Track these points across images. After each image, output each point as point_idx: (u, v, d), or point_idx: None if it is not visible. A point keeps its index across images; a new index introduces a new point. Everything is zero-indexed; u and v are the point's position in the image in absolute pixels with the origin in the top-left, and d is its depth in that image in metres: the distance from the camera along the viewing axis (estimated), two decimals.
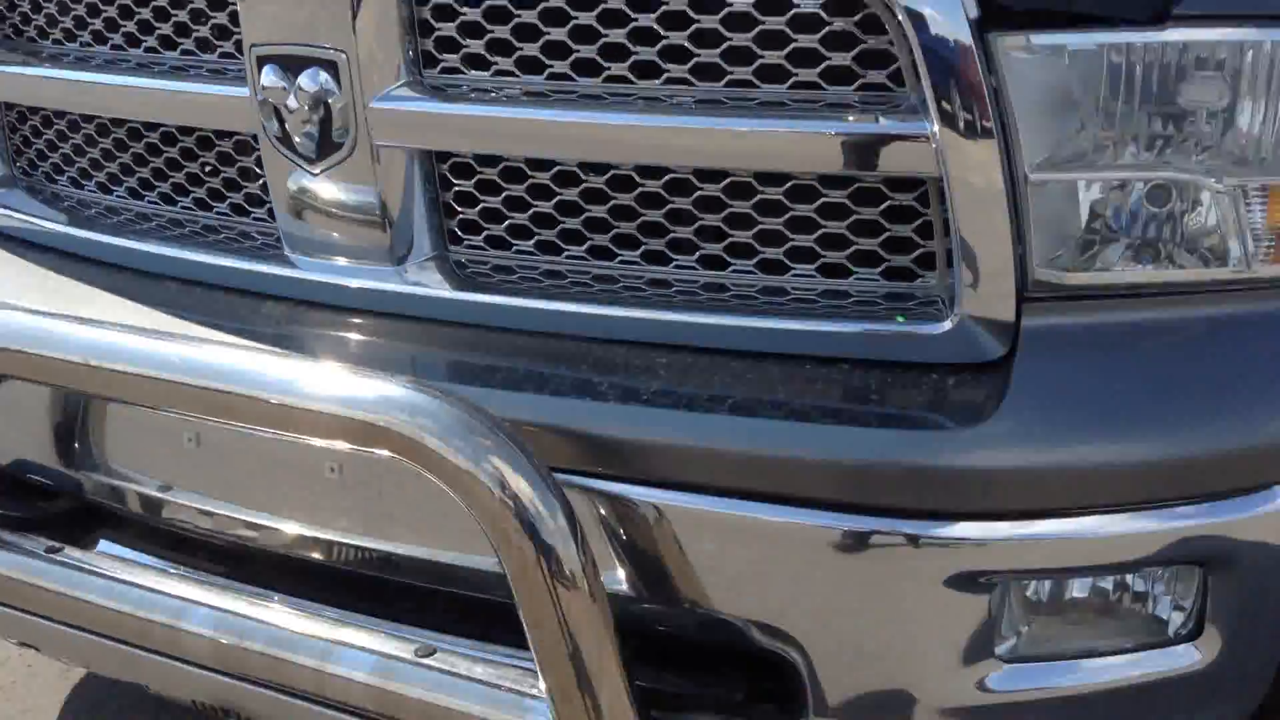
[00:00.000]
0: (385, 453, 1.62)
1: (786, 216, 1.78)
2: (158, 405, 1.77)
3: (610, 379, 1.78)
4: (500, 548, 1.60)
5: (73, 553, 2.05)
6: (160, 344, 1.76)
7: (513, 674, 1.72)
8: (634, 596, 1.75)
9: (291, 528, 1.96)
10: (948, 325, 1.70)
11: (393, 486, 1.84)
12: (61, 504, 2.29)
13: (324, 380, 1.65)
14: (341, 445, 1.76)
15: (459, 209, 1.95)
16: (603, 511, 1.72)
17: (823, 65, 1.70)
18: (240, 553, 2.07)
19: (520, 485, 1.58)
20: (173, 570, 2.02)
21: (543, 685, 1.65)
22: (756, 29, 1.70)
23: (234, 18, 1.97)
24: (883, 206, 1.74)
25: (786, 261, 1.81)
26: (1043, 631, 1.72)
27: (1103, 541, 1.64)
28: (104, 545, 2.17)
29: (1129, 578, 1.71)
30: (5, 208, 2.40)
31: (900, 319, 1.73)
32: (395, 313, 1.98)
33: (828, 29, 1.67)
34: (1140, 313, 1.72)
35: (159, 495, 2.08)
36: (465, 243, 1.97)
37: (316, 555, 1.97)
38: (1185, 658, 1.73)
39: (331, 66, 1.87)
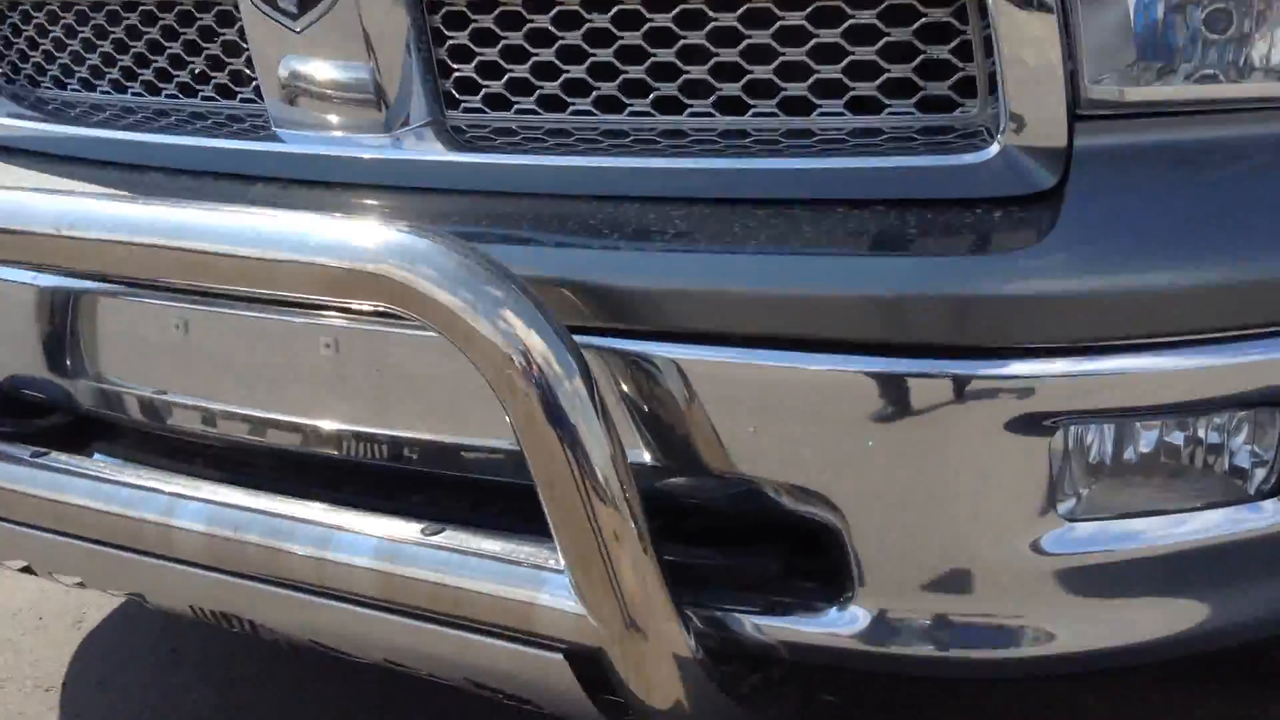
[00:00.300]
0: (378, 306, 1.49)
1: (810, 44, 1.62)
2: (136, 274, 1.64)
3: (622, 231, 1.63)
4: (509, 405, 1.45)
5: (59, 456, 1.92)
6: (135, 208, 1.63)
7: (527, 549, 1.58)
8: (657, 467, 1.61)
9: (287, 416, 1.82)
10: (992, 153, 1.54)
11: (393, 360, 1.70)
12: (56, 419, 2.17)
13: (309, 230, 1.51)
14: (333, 305, 1.64)
15: (454, 65, 1.80)
16: (617, 374, 1.58)
17: None
18: (235, 451, 1.94)
19: (531, 337, 1.44)
20: (163, 469, 1.88)
21: (560, 557, 1.51)
22: None
23: None
24: (916, 25, 1.58)
25: (812, 98, 1.65)
26: (1108, 487, 1.56)
27: (1171, 377, 1.48)
28: (96, 453, 2.04)
29: (1202, 425, 1.55)
30: None
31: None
32: (391, 185, 1.84)
33: None
34: (1207, 130, 1.55)
35: (151, 396, 1.95)
36: (463, 105, 1.82)
37: (314, 446, 1.83)
38: (1269, 515, 1.57)
39: None
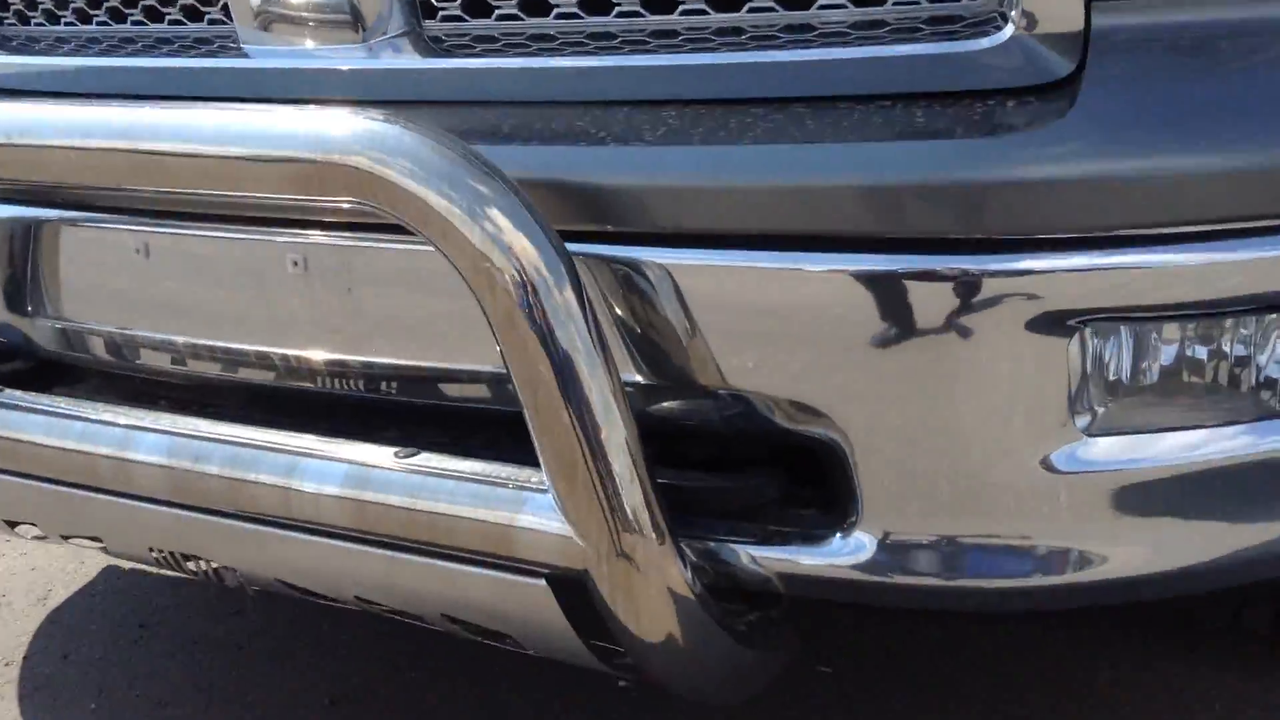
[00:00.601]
0: (351, 203, 1.37)
1: None
2: (91, 180, 1.53)
3: (610, 131, 1.52)
4: (488, 305, 1.35)
5: (11, 393, 1.80)
6: (86, 110, 1.52)
7: (508, 470, 1.46)
8: (647, 385, 1.50)
9: (254, 345, 1.71)
10: (1004, 38, 1.43)
11: (366, 277, 1.59)
12: (16, 365, 2.05)
13: (274, 122, 1.40)
14: (302, 219, 1.53)
15: None
16: (603, 282, 1.47)
17: None
18: (202, 388, 1.83)
19: (511, 229, 1.33)
20: (122, 405, 1.77)
21: (544, 473, 1.39)
22: None
23: None
24: None
25: None
26: (1131, 398, 1.45)
27: (1201, 271, 1.38)
28: (54, 393, 1.92)
29: (1233, 329, 1.44)
30: None
31: None
32: (366, 99, 1.72)
33: None
34: (1235, 10, 1.44)
35: (113, 331, 1.84)
36: (441, 14, 1.72)
37: (284, 377, 1.72)
38: None
39: None
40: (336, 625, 2.57)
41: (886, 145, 1.39)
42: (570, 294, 1.35)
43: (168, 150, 1.45)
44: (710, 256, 1.44)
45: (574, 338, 1.34)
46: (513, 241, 1.33)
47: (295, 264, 1.62)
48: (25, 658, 2.53)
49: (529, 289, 1.33)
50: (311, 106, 1.44)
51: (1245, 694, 2.25)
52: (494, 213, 1.33)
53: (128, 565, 2.86)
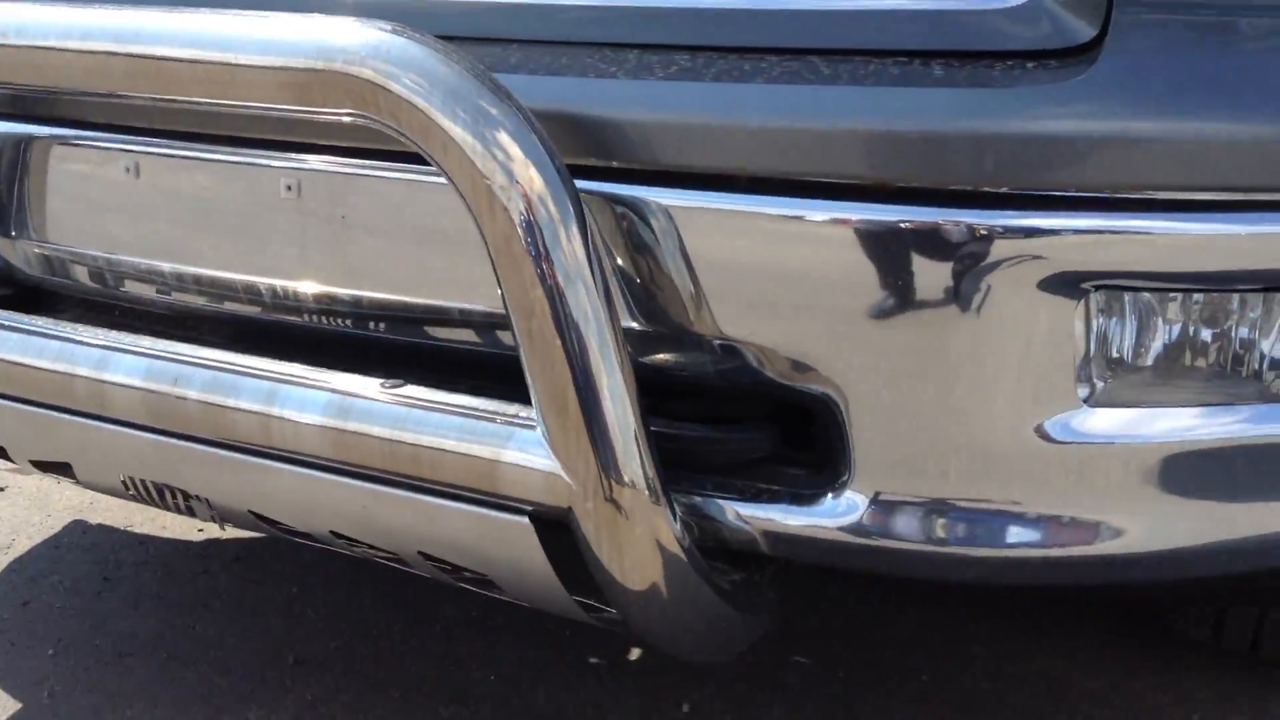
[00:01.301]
0: (350, 116, 1.34)
1: None
2: (82, 85, 1.48)
3: (617, 65, 1.49)
4: (485, 224, 1.30)
5: None
6: (80, 10, 1.48)
7: (495, 404, 1.42)
8: (640, 332, 1.46)
9: (243, 273, 1.67)
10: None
11: (362, 204, 1.55)
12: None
13: (274, 26, 1.36)
14: (297, 140, 1.49)
15: None
16: (602, 221, 1.43)
17: None
18: (187, 317, 1.79)
19: (514, 147, 1.29)
20: (100, 327, 1.72)
21: (533, 406, 1.35)
22: None
23: None
24: None
25: None
26: (1134, 370, 1.42)
27: (1220, 240, 1.35)
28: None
29: (1247, 304, 1.41)
30: None
31: None
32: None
33: None
34: None
35: (99, 255, 1.79)
36: None
37: (272, 309, 1.68)
38: None
39: None
40: (305, 590, 2.52)
41: (898, 91, 1.36)
42: (575, 225, 1.32)
43: (165, 55, 1.40)
44: (714, 199, 1.41)
45: (575, 267, 1.30)
46: (519, 166, 1.30)
47: (289, 188, 1.58)
48: None
49: (531, 212, 1.29)
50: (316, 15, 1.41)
51: (1223, 708, 2.22)
52: (502, 136, 1.29)
53: (95, 520, 2.81)
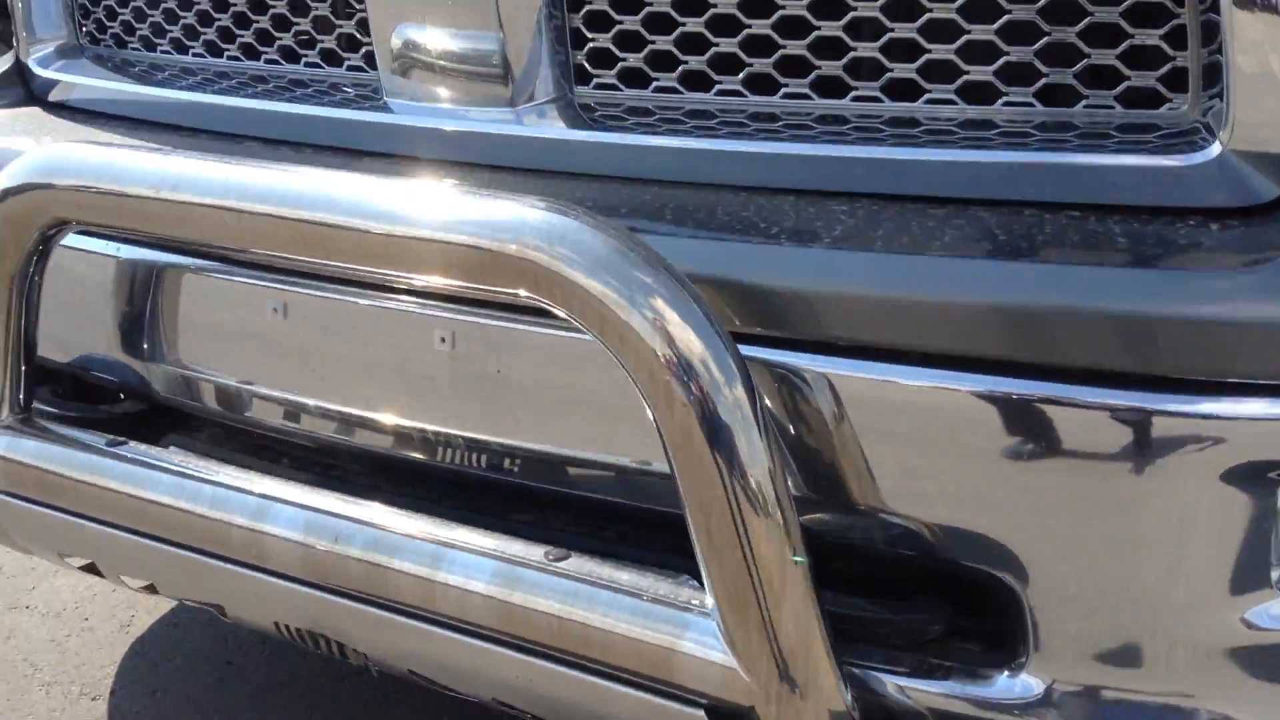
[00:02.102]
0: (515, 296, 1.32)
1: (1002, 21, 1.44)
2: (243, 244, 1.47)
3: (777, 226, 1.45)
4: (661, 416, 1.29)
5: (138, 447, 1.75)
6: (246, 170, 1.47)
7: (667, 586, 1.39)
8: (808, 500, 1.43)
9: (391, 418, 1.65)
10: (1210, 156, 1.35)
11: (518, 360, 1.53)
12: (127, 406, 2.01)
13: (440, 205, 1.34)
14: (455, 295, 1.47)
15: (590, 34, 1.63)
16: (764, 389, 1.40)
17: None
18: (326, 455, 1.78)
19: (690, 338, 1.26)
20: (254, 468, 1.71)
21: (709, 597, 1.33)
22: None
23: None
24: (1124, 4, 1.40)
25: (998, 84, 1.47)
26: None
27: None
28: (171, 446, 1.87)
29: None
30: (72, 76, 2.12)
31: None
32: (509, 165, 1.67)
33: None
34: None
35: (238, 385, 1.79)
36: (595, 81, 1.65)
37: (419, 452, 1.66)
38: None
39: None
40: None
41: (1080, 271, 1.31)
42: (745, 403, 1.28)
43: (329, 222, 1.39)
44: (881, 371, 1.37)
45: (750, 456, 1.27)
46: (687, 345, 1.27)
47: (443, 340, 1.56)
48: (112, 692, 2.49)
49: (705, 398, 1.27)
50: (486, 193, 1.38)
51: None
52: (668, 312, 1.26)
53: None
